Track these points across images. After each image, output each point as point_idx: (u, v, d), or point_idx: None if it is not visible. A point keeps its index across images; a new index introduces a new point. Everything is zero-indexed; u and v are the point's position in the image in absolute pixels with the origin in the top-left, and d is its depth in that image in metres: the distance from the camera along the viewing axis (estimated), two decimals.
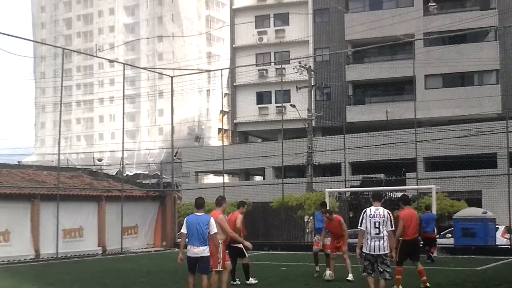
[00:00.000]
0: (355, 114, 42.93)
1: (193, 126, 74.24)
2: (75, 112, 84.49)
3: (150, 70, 63.08)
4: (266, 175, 41.64)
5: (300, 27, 48.60)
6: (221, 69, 35.18)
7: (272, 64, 48.18)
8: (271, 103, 49.13)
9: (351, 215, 26.28)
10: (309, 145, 33.45)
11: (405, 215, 11.72)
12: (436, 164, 33.85)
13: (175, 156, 37.66)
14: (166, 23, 79.87)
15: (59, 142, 26.68)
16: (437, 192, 23.63)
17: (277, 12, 49.98)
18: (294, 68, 36.94)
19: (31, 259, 22.09)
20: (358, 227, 10.24)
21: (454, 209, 25.60)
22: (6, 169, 26.72)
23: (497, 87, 39.16)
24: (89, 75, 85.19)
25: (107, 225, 25.71)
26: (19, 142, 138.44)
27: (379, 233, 9.79)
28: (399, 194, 26.87)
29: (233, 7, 51.96)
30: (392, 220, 10.05)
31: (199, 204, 10.29)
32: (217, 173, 45.30)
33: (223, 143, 39.10)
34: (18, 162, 42.40)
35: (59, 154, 25.99)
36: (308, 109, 35.27)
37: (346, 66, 44.02)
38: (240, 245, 12.50)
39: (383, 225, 9.86)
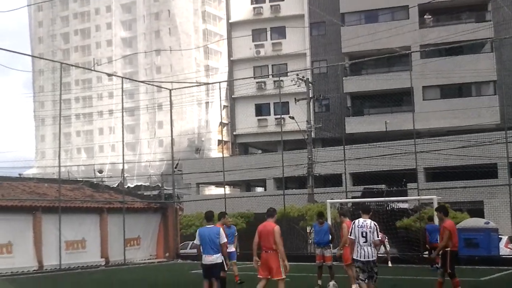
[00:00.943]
0: (354, 125, 43.08)
1: (193, 138, 74.31)
2: (75, 125, 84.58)
3: (148, 84, 63.18)
4: (267, 186, 41.70)
5: (297, 40, 48.90)
6: (220, 82, 35.28)
7: (270, 76, 48.40)
8: (270, 115, 49.30)
9: None
10: (309, 156, 33.54)
11: (452, 225, 11.84)
12: (437, 174, 33.96)
13: (175, 167, 37.72)
14: (163, 37, 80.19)
15: (59, 155, 26.72)
16: (438, 203, 23.69)
17: (273, 25, 50.32)
18: (292, 81, 37.11)
19: (34, 270, 22.07)
20: (348, 236, 11.52)
21: (456, 220, 25.63)
22: (7, 181, 26.70)
23: (495, 98, 39.40)
24: (87, 88, 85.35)
25: (110, 237, 25.71)
26: (19, 155, 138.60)
27: (366, 242, 10.85)
28: (401, 205, 26.98)
29: (230, 21, 52.28)
30: (378, 231, 11.11)
31: (209, 217, 11.48)
32: (218, 184, 45.34)
33: (223, 154, 39.17)
34: (19, 174, 42.43)
35: (59, 166, 26.00)
36: (307, 121, 35.39)
37: (343, 78, 44.31)
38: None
39: (370, 234, 10.88)
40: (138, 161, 69.99)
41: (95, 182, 34.88)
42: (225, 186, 31.34)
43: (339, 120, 43.17)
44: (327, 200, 25.27)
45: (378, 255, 22.32)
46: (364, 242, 10.88)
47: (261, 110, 50.15)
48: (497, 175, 30.41)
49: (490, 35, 39.72)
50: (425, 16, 42.81)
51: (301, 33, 48.64)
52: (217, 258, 11.12)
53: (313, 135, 36.72)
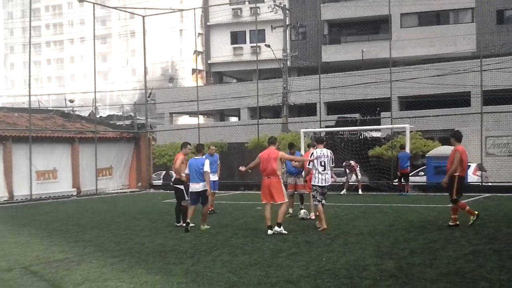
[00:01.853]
0: (330, 53, 42.64)
1: (167, 67, 73.12)
2: (45, 53, 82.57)
3: (121, 10, 61.24)
4: (241, 116, 41.50)
5: None
6: (194, 8, 34.25)
7: (246, 3, 47.20)
8: (245, 43, 48.47)
9: None
10: (284, 86, 33.25)
11: (464, 151, 11.74)
12: (410, 103, 34.03)
13: (148, 97, 37.17)
14: None
15: (29, 83, 26.02)
16: (411, 131, 23.81)
17: None
18: (268, 7, 36.23)
19: (4, 201, 21.98)
20: (306, 165, 12.47)
21: (428, 148, 25.92)
22: None
23: (472, 26, 39.07)
24: (58, 15, 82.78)
25: (81, 167, 25.58)
26: None
27: (324, 169, 11.80)
28: (374, 134, 27.08)
29: None
30: (333, 159, 12.14)
31: (199, 149, 12.57)
32: (191, 114, 44.99)
33: (197, 83, 38.55)
34: None
35: (29, 95, 25.40)
36: (283, 49, 34.88)
37: (321, 4, 43.41)
38: (181, 187, 12.97)
39: (327, 163, 11.87)
40: (110, 90, 68.96)
41: (66, 112, 34.33)
42: (199, 115, 31.04)
43: (316, 49, 42.63)
44: (301, 130, 25.24)
45: (350, 183, 22.70)
46: (323, 170, 11.79)
47: (236, 38, 49.23)
48: (470, 103, 30.54)
49: None
50: None
51: None
52: (203, 186, 12.19)
53: (288, 64, 36.29)
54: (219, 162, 16.27)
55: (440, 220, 13.04)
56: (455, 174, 11.50)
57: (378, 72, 31.36)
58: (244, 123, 36.46)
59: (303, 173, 14.02)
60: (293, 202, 14.66)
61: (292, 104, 34.54)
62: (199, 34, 53.88)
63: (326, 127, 28.45)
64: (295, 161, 13.36)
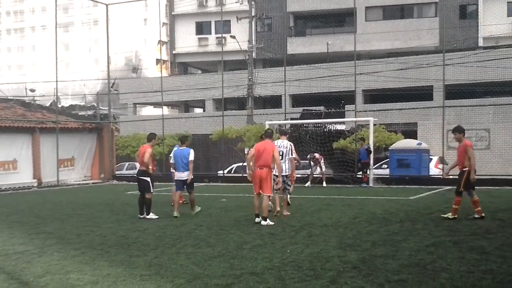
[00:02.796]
0: (296, 46, 42.72)
1: (130, 57, 72.19)
2: (5, 41, 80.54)
3: None
4: (206, 107, 41.29)
5: None
6: None
7: None
8: (211, 33, 48.17)
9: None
10: (250, 77, 33.20)
11: (471, 144, 11.78)
12: (374, 96, 34.37)
13: (112, 87, 36.63)
14: None
15: None
16: (375, 124, 24.06)
17: None
18: None
19: None
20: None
21: (391, 141, 26.25)
22: None
23: (435, 20, 39.63)
24: (19, 2, 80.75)
25: (42, 158, 25.11)
26: None
27: (282, 159, 12.57)
28: (338, 126, 27.26)
29: None
30: (293, 150, 12.95)
31: (183, 140, 13.61)
32: (156, 105, 44.52)
33: (161, 74, 38.15)
34: None
35: None
36: (248, 41, 34.79)
37: None
38: (147, 179, 12.91)
39: (286, 153, 12.74)
40: (72, 79, 67.76)
41: (27, 101, 33.61)
42: (163, 106, 30.74)
43: (281, 41, 42.67)
44: (266, 122, 25.27)
45: (314, 175, 22.84)
46: (280, 160, 12.32)
47: (201, 29, 48.88)
48: (432, 97, 31.02)
49: None
50: None
51: None
52: (187, 175, 13.11)
53: (254, 55, 36.21)
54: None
55: (402, 211, 13.20)
56: (464, 169, 11.60)
57: (343, 65, 31.56)
58: (209, 114, 36.29)
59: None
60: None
61: (257, 96, 34.51)
62: (163, 23, 53.34)
63: (291, 119, 28.52)
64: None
